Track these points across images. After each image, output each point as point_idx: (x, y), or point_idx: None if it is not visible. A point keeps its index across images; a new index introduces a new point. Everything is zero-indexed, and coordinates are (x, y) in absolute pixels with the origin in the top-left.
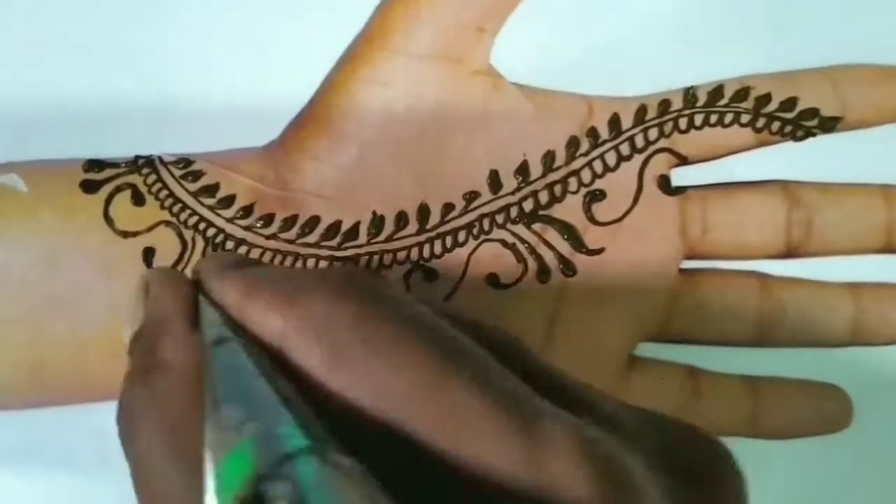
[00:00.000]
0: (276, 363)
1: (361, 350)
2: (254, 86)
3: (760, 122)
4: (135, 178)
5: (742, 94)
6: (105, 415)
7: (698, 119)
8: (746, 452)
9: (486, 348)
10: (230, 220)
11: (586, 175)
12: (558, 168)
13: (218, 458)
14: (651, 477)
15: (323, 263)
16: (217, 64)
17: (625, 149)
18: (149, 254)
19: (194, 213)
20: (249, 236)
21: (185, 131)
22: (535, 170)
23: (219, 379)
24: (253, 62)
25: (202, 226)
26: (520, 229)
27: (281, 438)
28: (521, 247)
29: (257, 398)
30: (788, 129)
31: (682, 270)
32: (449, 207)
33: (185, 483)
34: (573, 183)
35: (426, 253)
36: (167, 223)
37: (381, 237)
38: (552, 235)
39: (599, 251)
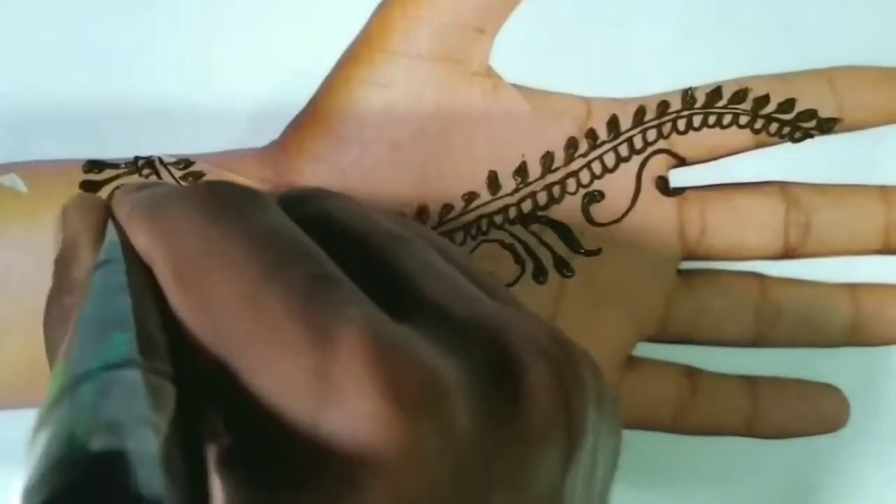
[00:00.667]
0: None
1: (197, 265)
2: (254, 87)
3: (759, 124)
4: (135, 179)
5: (740, 95)
6: None
7: (697, 120)
8: (744, 452)
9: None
10: None
11: (585, 176)
12: (557, 169)
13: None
14: (466, 389)
15: None
16: (217, 64)
17: (623, 150)
18: None
19: None
20: None
21: (186, 132)
22: (534, 171)
23: (89, 299)
24: (253, 63)
25: None
26: (518, 230)
27: (87, 357)
28: (519, 248)
29: (108, 314)
30: (787, 130)
31: (680, 271)
32: (448, 208)
33: None
34: (572, 184)
35: None
36: None
37: None
38: (550, 236)
39: (597, 252)
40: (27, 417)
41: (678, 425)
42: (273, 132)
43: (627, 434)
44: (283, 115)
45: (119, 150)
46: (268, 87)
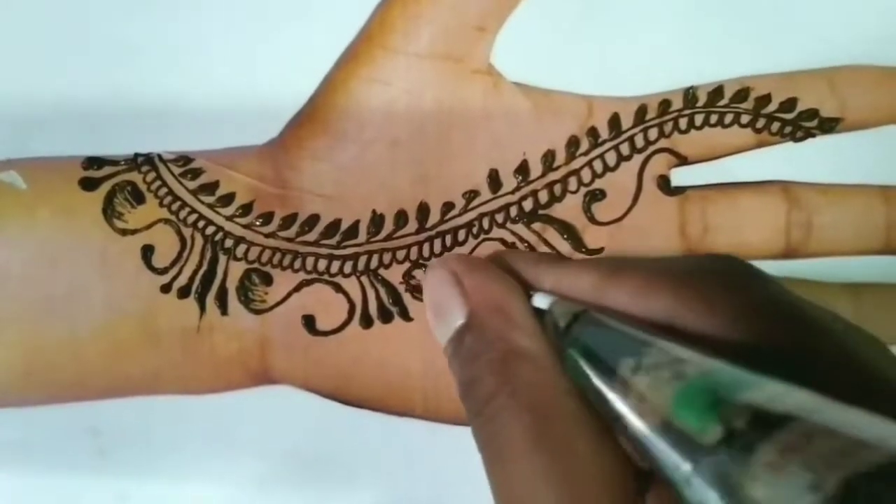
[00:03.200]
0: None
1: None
2: (254, 84)
3: (760, 123)
4: (134, 176)
5: (742, 94)
6: (101, 412)
7: (698, 119)
8: None
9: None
10: (229, 218)
11: (586, 175)
12: (558, 167)
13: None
14: None
15: (322, 262)
16: (217, 62)
17: (625, 148)
18: (147, 251)
19: (193, 210)
20: (248, 234)
21: (185, 129)
22: (535, 169)
23: (600, 343)
24: (253, 60)
25: (201, 224)
26: (520, 229)
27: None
28: (520, 246)
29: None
30: (788, 129)
31: None
32: (449, 206)
33: (550, 479)
34: (573, 182)
35: (426, 252)
36: (166, 221)
37: (381, 236)
38: (552, 235)
39: (599, 251)
40: (25, 415)
41: None
42: (273, 130)
43: None
44: (282, 112)
45: (118, 147)
46: (268, 85)
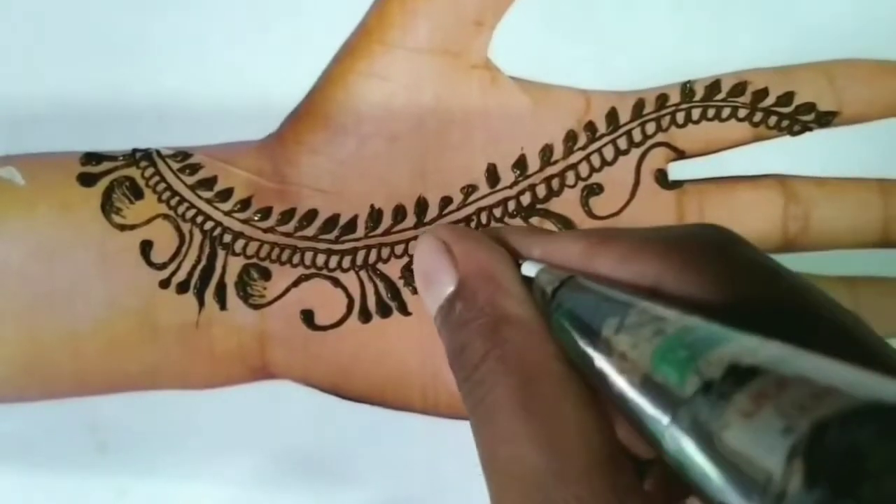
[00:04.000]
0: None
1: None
2: (252, 79)
3: (757, 117)
4: (132, 172)
5: (739, 88)
6: (101, 408)
7: (696, 113)
8: None
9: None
10: (228, 214)
11: (584, 169)
12: (556, 162)
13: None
14: None
15: (321, 257)
16: (215, 57)
17: (622, 143)
18: (146, 247)
19: (192, 206)
20: (247, 229)
21: (184, 125)
22: (533, 164)
23: (585, 307)
24: (251, 56)
25: (200, 219)
26: (517, 223)
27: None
28: None
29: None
30: (785, 123)
31: None
32: (447, 201)
33: (534, 442)
34: (571, 177)
35: None
36: (165, 216)
37: (379, 230)
38: (550, 229)
39: None
40: (24, 411)
41: None
42: (271, 125)
43: None
44: (281, 107)
45: (117, 142)
46: (266, 80)
